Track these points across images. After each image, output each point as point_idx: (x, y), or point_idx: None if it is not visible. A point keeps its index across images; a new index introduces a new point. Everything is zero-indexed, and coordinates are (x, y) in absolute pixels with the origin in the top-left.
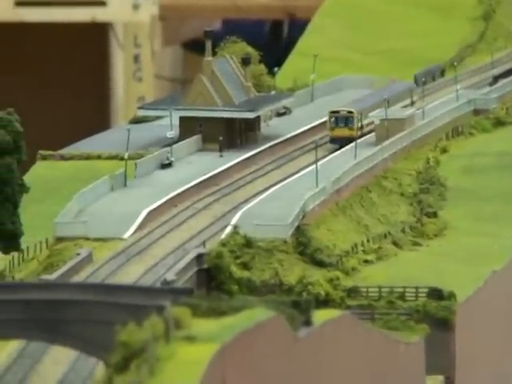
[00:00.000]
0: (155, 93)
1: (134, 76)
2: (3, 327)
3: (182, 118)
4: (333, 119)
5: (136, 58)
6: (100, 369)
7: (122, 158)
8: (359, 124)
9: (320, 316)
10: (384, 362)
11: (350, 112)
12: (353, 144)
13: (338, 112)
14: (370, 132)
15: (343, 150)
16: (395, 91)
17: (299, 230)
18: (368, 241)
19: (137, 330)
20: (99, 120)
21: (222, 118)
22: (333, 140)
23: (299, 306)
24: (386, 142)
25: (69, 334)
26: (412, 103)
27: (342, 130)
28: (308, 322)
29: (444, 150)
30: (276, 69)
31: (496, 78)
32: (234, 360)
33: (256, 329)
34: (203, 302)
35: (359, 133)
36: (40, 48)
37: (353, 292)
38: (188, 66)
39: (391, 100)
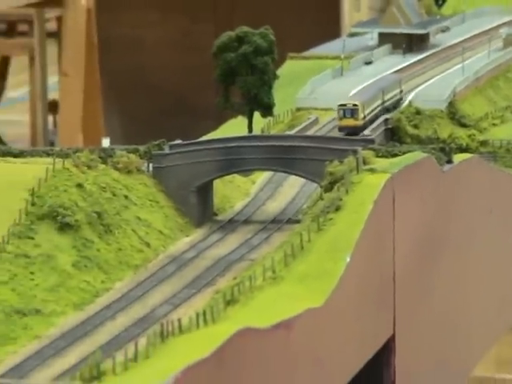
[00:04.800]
0: (368, 18)
1: (354, 8)
2: (259, 163)
3: (379, 34)
4: (341, 111)
5: None
6: (316, 190)
7: (340, 58)
8: (362, 115)
9: (459, 157)
10: (503, 192)
11: (355, 105)
12: (486, 51)
13: (345, 105)
14: (372, 119)
15: (480, 54)
16: (388, 82)
17: (451, 104)
18: (495, 111)
19: (339, 165)
20: (331, 35)
21: (404, 33)
22: (341, 129)
23: (445, 150)
24: (510, 48)
25: (298, 168)
26: (401, 92)
27: (348, 121)
28: (450, 161)
29: None
30: (440, 2)
31: None
32: (400, 185)
33: (415, 164)
34: (382, 147)
35: (362, 122)
36: None
37: (483, 143)
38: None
39: (386, 89)
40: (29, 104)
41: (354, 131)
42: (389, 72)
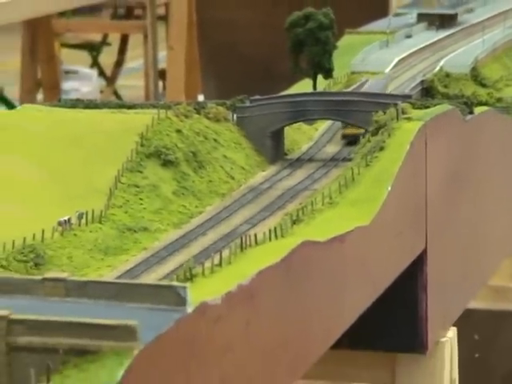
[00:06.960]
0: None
1: None
2: (321, 114)
3: (418, 14)
4: None
5: None
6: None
7: (386, 33)
8: None
9: (479, 110)
10: None
11: None
12: (502, 27)
13: None
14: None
15: (497, 30)
16: (378, 87)
17: (473, 68)
18: (509, 74)
19: (383, 115)
20: (381, 15)
21: (437, 14)
22: (344, 136)
23: (467, 104)
24: None
25: (351, 117)
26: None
27: (351, 129)
28: (471, 112)
29: None
30: None
31: None
32: (431, 130)
33: (443, 114)
34: (418, 101)
35: (363, 130)
36: None
37: (499, 100)
38: None
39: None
40: (143, 72)
41: (354, 139)
42: (425, 44)
